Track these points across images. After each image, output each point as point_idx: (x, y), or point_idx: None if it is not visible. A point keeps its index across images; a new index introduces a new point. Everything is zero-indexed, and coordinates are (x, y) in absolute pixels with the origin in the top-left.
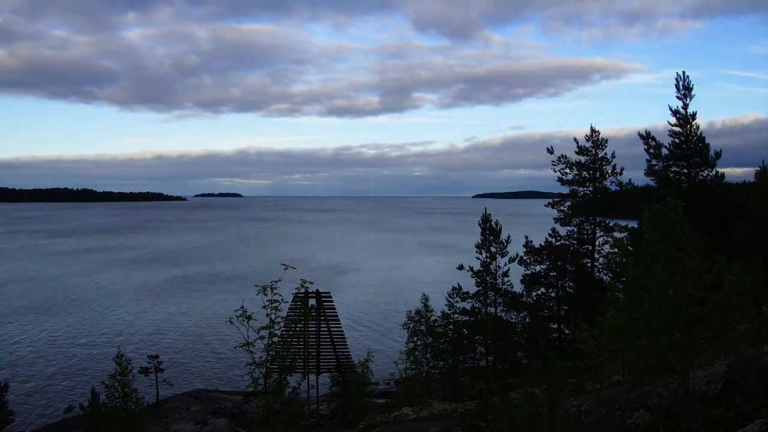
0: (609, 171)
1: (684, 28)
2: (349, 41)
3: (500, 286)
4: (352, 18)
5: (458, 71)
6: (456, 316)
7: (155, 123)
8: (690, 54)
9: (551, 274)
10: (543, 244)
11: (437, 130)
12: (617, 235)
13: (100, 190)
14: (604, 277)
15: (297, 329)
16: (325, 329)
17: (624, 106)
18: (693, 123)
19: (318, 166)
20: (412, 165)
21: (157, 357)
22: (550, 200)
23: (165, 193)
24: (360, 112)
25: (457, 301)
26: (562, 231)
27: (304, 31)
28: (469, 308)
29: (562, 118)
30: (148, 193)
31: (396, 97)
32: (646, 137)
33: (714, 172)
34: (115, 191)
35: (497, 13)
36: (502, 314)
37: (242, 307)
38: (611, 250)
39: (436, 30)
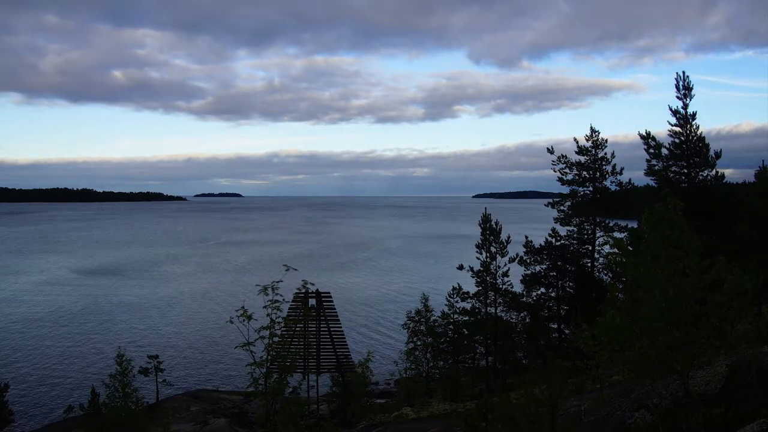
0: (609, 171)
1: (687, 60)
2: (416, 69)
3: (500, 286)
4: (422, 53)
5: (498, 89)
6: (456, 316)
7: (214, 130)
8: (692, 73)
9: (551, 274)
10: (543, 244)
11: (461, 136)
12: (617, 235)
13: (100, 190)
14: (604, 277)
15: (297, 329)
16: (325, 329)
17: (633, 117)
18: (693, 123)
19: (333, 167)
20: (422, 166)
21: (157, 357)
22: (550, 200)
23: (165, 193)
24: (403, 121)
25: (457, 301)
26: (562, 231)
27: (384, 62)
28: (469, 308)
29: (578, 126)
30: (148, 193)
31: (439, 108)
32: (646, 137)
33: (714, 172)
34: (115, 191)
35: (537, 48)
36: (502, 314)
37: (242, 307)
38: (611, 251)
39: (487, 61)
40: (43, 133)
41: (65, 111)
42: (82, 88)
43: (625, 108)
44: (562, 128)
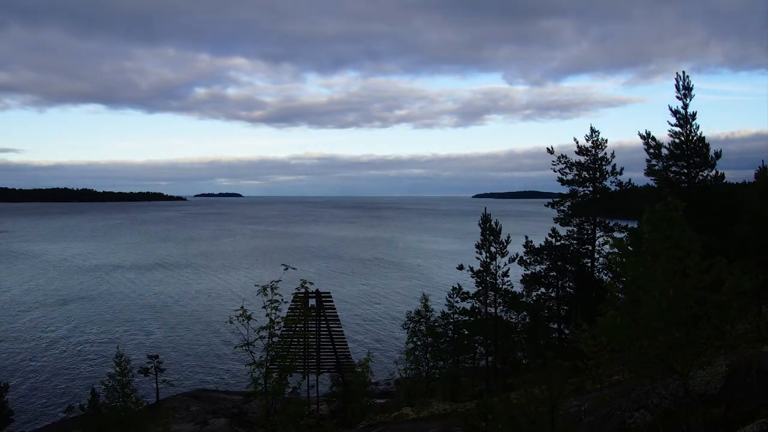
0: (609, 171)
1: (690, 78)
2: (460, 86)
3: (500, 286)
4: (466, 75)
5: (526, 102)
6: (456, 316)
7: (254, 135)
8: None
9: (551, 274)
10: (543, 244)
11: (482, 141)
12: (617, 235)
13: (100, 190)
14: (604, 277)
15: (297, 329)
16: (325, 329)
17: (642, 124)
18: (693, 123)
19: (344, 169)
20: (430, 168)
21: (157, 357)
22: (550, 200)
23: (165, 193)
24: (437, 128)
25: (457, 301)
26: (562, 231)
27: (435, 82)
28: (469, 308)
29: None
30: (148, 193)
31: (470, 117)
32: (646, 137)
33: (714, 172)
34: (115, 191)
35: (561, 72)
36: (502, 314)
37: (242, 307)
38: (611, 250)
39: (519, 81)
40: (89, 137)
41: (131, 118)
42: (161, 101)
43: (634, 117)
44: (576, 134)
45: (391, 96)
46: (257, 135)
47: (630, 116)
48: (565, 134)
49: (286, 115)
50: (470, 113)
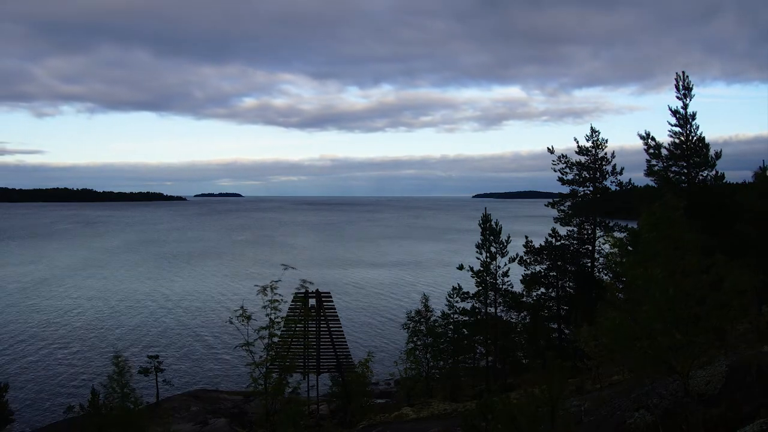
0: (609, 171)
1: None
2: (484, 95)
3: (500, 286)
4: (491, 87)
5: (544, 109)
6: (456, 316)
7: (285, 137)
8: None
9: (551, 274)
10: (543, 244)
11: (494, 144)
12: (617, 235)
13: (100, 190)
14: (604, 277)
15: (297, 329)
16: (325, 329)
17: (646, 128)
18: (692, 123)
19: (350, 170)
20: (435, 169)
21: (157, 357)
22: (550, 200)
23: (165, 194)
24: (457, 132)
25: (457, 301)
26: (562, 231)
27: (461, 94)
28: (469, 308)
29: (602, 135)
30: (147, 193)
31: (489, 122)
32: (646, 137)
33: (714, 172)
34: (115, 191)
35: (574, 86)
36: (502, 314)
37: (242, 307)
38: (611, 250)
39: (535, 93)
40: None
41: (175, 124)
42: (209, 109)
43: (640, 123)
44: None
45: (421, 104)
46: (285, 137)
47: (636, 122)
48: (578, 138)
49: (319, 121)
50: (489, 119)
